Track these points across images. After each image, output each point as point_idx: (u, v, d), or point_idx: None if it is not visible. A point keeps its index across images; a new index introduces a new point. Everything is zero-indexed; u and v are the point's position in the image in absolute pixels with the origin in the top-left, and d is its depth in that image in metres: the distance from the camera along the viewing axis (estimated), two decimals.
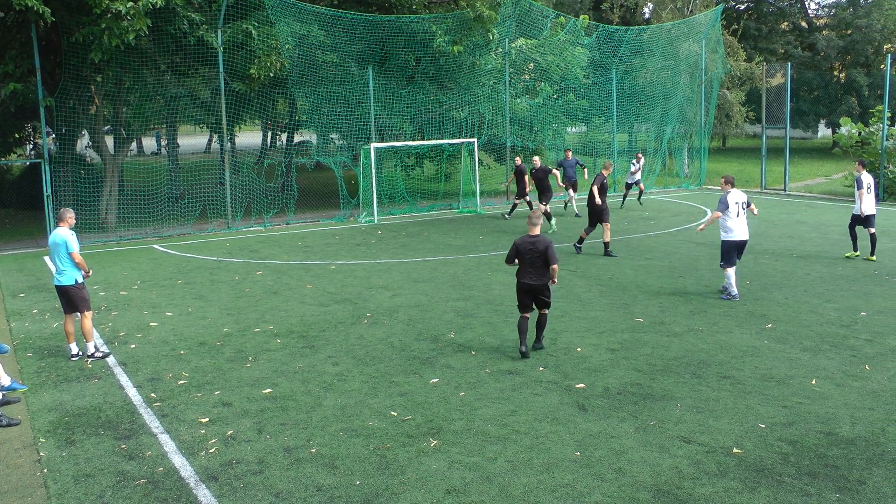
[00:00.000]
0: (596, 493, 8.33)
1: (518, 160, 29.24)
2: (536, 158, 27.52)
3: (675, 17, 45.64)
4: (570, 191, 30.74)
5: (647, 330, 14.38)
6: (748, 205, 16.95)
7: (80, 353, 13.77)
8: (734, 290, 16.67)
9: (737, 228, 16.62)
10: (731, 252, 16.71)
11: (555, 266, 12.73)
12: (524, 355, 12.87)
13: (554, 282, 13.02)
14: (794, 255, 21.19)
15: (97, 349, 13.83)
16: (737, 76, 49.13)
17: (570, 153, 31.22)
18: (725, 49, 44.75)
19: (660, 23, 44.25)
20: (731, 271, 16.70)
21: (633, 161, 31.60)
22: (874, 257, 20.32)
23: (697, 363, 12.46)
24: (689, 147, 42.63)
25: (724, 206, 16.59)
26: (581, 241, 22.53)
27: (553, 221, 26.84)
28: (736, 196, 16.64)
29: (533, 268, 12.83)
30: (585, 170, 30.83)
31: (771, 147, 42.85)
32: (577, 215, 30.06)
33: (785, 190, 36.87)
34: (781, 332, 14.07)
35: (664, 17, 46.64)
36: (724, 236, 16.75)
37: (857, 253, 20.70)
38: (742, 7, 65.79)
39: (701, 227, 18.59)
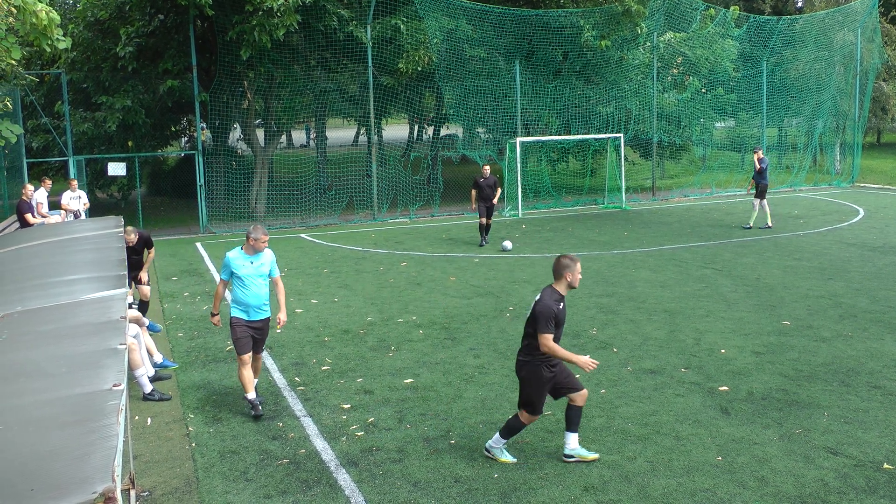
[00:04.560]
0: (737, 501, 8.07)
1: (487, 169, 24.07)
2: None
3: (829, 5, 43.94)
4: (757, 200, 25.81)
5: (794, 333, 13.88)
6: None
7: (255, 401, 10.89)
8: None
9: None
10: None
11: None
12: None
13: None
14: None
15: (254, 406, 10.74)
16: (894, 66, 47.06)
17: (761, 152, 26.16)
18: (883, 38, 42.89)
19: (813, 11, 42.76)
20: None
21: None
22: None
23: (846, 371, 11.92)
24: (842, 142, 41.03)
25: None
26: None
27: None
28: None
29: None
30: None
31: None
32: (745, 227, 25.74)
33: None
34: None
35: (818, 6, 45.00)
36: None
37: None
38: None
39: None
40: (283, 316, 11.00)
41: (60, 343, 5.13)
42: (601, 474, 8.65)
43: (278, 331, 12.35)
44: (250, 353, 10.69)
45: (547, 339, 8.50)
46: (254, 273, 10.55)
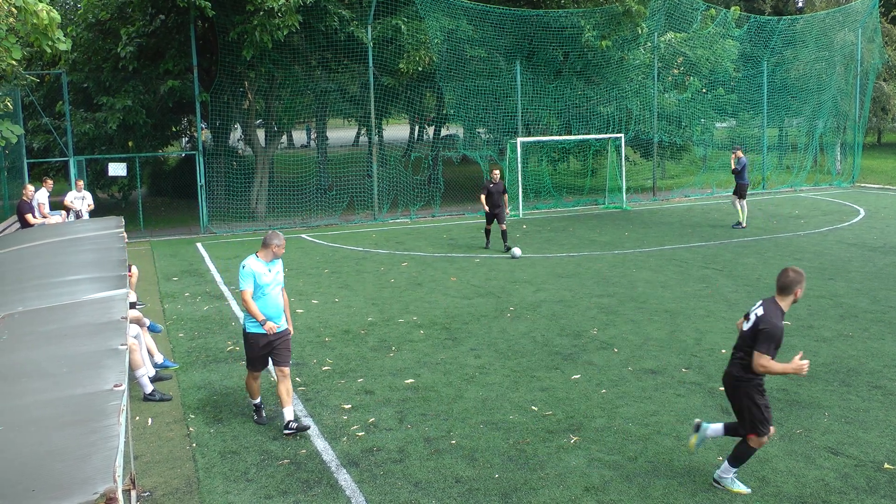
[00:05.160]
0: (738, 501, 8.09)
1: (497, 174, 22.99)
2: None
3: (829, 6, 43.89)
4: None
5: (795, 334, 13.86)
6: None
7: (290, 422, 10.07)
8: None
9: None
10: None
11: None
12: None
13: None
14: None
15: (258, 410, 10.55)
16: (895, 66, 47.01)
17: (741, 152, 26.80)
18: (883, 38, 42.86)
19: (813, 11, 42.75)
20: None
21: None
22: None
23: (847, 371, 11.93)
24: (842, 142, 41.02)
25: None
26: None
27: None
28: None
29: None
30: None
31: None
32: (735, 225, 26.15)
33: None
34: None
35: (818, 6, 44.98)
36: None
37: None
38: None
39: None
40: (289, 327, 10.41)
41: (61, 343, 5.13)
42: (602, 474, 8.65)
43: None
44: (261, 371, 10.33)
45: (765, 360, 7.77)
46: (273, 281, 10.05)
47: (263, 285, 9.92)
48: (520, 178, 30.50)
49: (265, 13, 25.35)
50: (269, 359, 10.19)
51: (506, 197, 22.75)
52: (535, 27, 31.20)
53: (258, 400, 10.50)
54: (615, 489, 8.35)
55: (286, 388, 9.99)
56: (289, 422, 9.97)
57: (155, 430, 10.31)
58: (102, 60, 29.30)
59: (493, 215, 22.48)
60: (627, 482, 8.50)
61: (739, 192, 26.22)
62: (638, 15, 30.68)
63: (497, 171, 22.99)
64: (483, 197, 22.52)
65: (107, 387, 4.04)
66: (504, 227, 22.67)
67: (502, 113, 31.96)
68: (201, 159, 28.33)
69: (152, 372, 11.90)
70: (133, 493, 8.11)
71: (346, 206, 30.49)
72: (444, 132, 38.81)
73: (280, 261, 10.27)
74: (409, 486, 8.53)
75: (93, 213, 23.52)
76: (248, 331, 10.05)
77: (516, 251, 21.73)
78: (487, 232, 23.09)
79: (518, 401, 10.89)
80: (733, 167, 26.19)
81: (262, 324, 9.91)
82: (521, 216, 30.07)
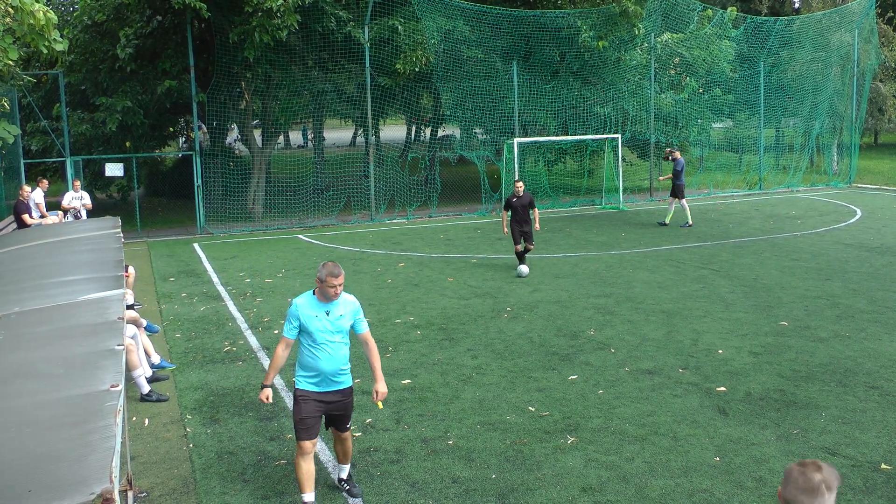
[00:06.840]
0: (734, 501, 8.07)
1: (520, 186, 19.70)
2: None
3: (826, 6, 43.93)
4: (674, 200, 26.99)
5: (792, 334, 13.88)
6: None
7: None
8: None
9: None
10: None
11: None
12: None
13: None
14: None
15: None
16: (891, 67, 47.05)
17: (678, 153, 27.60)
18: (880, 38, 42.90)
19: (810, 12, 42.78)
20: None
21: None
22: None
23: (844, 371, 11.91)
24: (839, 143, 41.08)
25: None
26: None
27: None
28: None
29: None
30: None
31: None
32: (660, 223, 27.21)
33: None
34: None
35: (815, 7, 45.01)
36: None
37: None
38: None
39: None
40: (381, 387, 8.19)
41: (58, 344, 5.13)
42: (599, 475, 8.65)
43: (380, 408, 8.99)
44: (315, 441, 7.85)
45: None
46: (330, 328, 7.76)
47: (314, 332, 7.71)
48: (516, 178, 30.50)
49: (264, 13, 25.36)
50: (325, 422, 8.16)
51: (535, 212, 19.64)
52: (532, 28, 31.23)
53: (310, 496, 7.84)
54: (612, 490, 8.34)
55: (343, 450, 8.39)
56: (341, 479, 8.51)
57: (152, 430, 10.31)
58: (99, 61, 29.31)
59: (522, 233, 19.51)
60: (624, 483, 8.49)
61: (677, 193, 26.86)
62: (635, 16, 30.71)
63: (521, 184, 19.70)
64: (504, 215, 20.10)
65: (103, 387, 4.03)
66: (532, 247, 19.92)
67: (499, 113, 31.96)
68: (198, 160, 28.32)
69: (149, 372, 11.91)
70: (130, 493, 8.09)
71: (342, 207, 30.49)
72: (440, 133, 38.83)
73: (346, 301, 8.05)
74: (406, 486, 8.52)
75: (90, 214, 23.53)
76: (296, 385, 7.91)
77: (523, 269, 19.51)
78: (518, 255, 19.76)
79: (515, 401, 10.89)
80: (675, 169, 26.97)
81: (262, 388, 8.07)
82: None
